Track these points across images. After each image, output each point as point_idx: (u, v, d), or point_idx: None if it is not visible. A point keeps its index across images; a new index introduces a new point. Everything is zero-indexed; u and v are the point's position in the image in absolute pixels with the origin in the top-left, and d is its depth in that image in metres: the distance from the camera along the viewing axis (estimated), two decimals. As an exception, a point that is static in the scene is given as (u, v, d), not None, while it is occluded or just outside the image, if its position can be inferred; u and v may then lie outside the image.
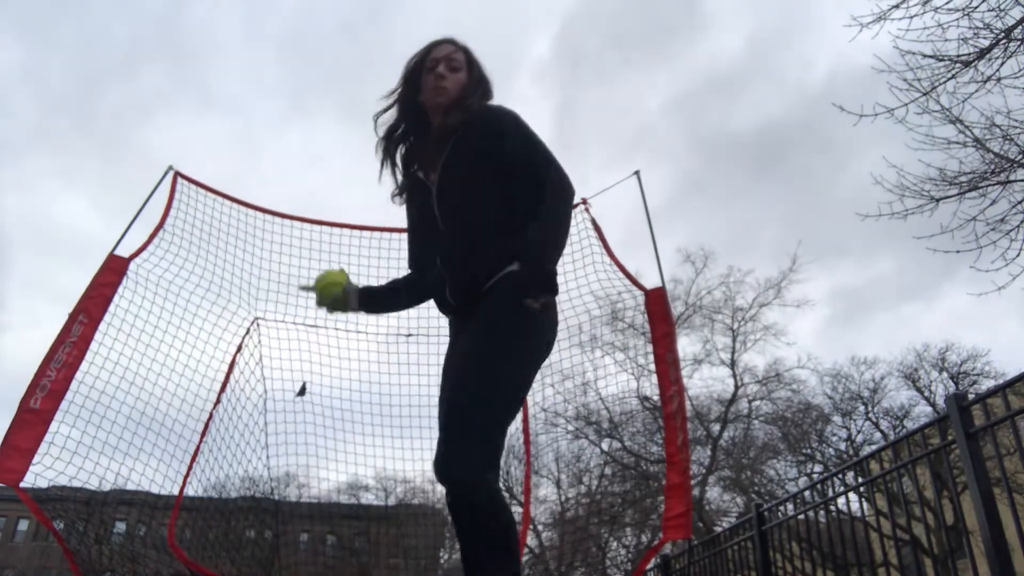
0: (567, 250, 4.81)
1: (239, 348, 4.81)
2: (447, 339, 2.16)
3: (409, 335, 4.92)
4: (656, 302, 4.43)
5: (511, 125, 2.04)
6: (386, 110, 2.22)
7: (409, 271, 2.33)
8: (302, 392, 4.91)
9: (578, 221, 4.80)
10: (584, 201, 4.77)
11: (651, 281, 4.53)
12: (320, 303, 2.20)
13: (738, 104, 46.70)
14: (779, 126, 43.36)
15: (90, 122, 62.04)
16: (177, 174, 4.60)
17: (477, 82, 2.16)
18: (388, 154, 2.24)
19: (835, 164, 41.67)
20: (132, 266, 4.18)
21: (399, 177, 2.26)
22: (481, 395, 1.76)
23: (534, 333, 1.88)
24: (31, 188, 55.19)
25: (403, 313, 5.03)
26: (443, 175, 2.05)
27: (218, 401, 4.58)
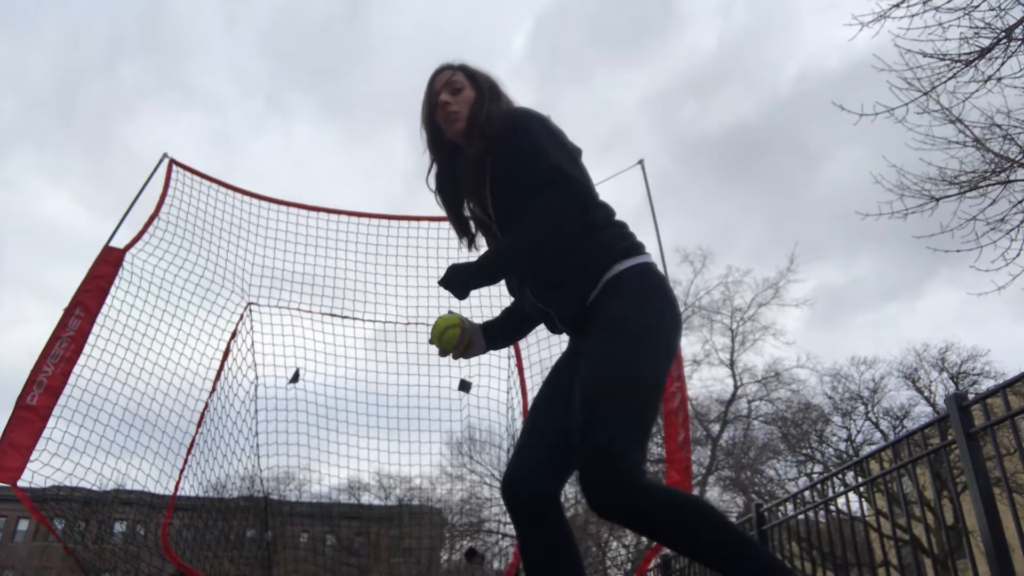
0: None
1: (233, 334, 4.79)
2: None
3: (408, 323, 4.89)
4: None
5: (517, 129, 1.88)
6: (430, 169, 2.12)
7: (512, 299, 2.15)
8: (295, 379, 4.87)
9: None
10: None
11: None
12: (445, 353, 2.00)
13: (713, 104, 46.77)
14: (754, 126, 43.44)
15: (72, 118, 62.09)
16: (172, 162, 4.59)
17: (487, 91, 2.03)
18: (445, 206, 2.12)
19: (811, 164, 41.80)
20: (127, 257, 4.16)
21: (465, 224, 2.12)
22: (614, 396, 1.61)
23: (654, 321, 1.73)
24: (14, 184, 55.20)
25: (401, 301, 5.01)
26: (495, 205, 1.93)
27: (213, 389, 4.56)
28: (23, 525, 33.19)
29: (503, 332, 2.14)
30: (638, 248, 1.86)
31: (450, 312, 1.99)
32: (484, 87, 2.05)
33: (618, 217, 1.94)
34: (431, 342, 1.98)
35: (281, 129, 65.81)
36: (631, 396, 1.62)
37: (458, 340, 1.95)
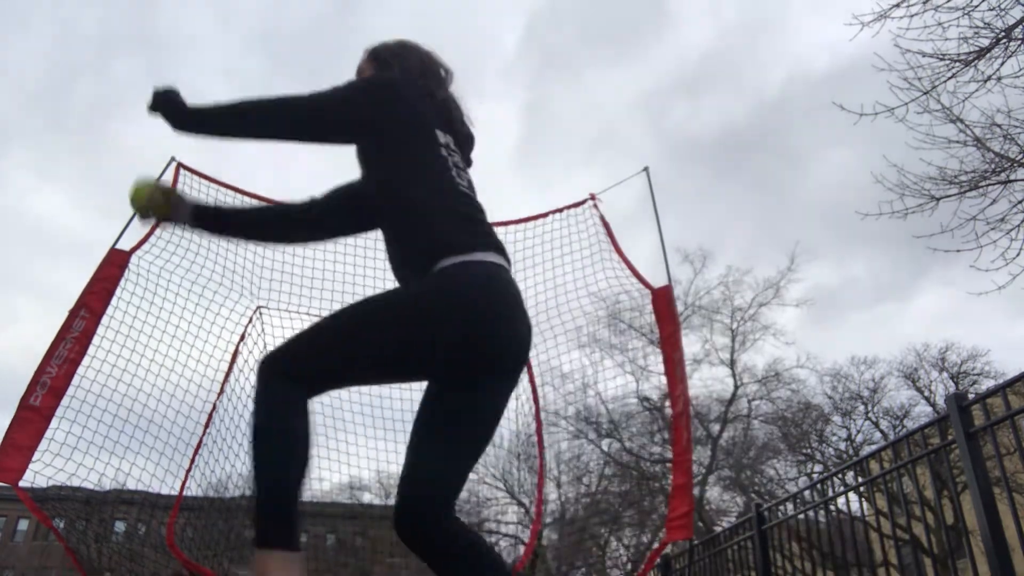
0: (568, 247, 4.81)
1: (242, 337, 4.79)
2: None
3: None
4: (663, 301, 4.42)
5: None
6: None
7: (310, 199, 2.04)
8: None
9: (586, 218, 4.79)
10: (593, 197, 4.76)
11: (655, 279, 4.53)
12: (144, 216, 1.97)
13: (705, 104, 46.62)
14: (744, 127, 43.26)
15: (65, 116, 61.85)
16: (180, 165, 4.59)
17: None
18: None
19: (801, 165, 41.80)
20: (133, 259, 4.16)
21: None
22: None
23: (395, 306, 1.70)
24: (7, 182, 55.06)
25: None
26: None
27: (221, 392, 4.56)
28: (23, 525, 33.19)
29: (227, 219, 2.00)
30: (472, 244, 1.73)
31: (149, 178, 1.95)
32: None
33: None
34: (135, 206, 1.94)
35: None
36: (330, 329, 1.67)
37: (151, 202, 1.90)
